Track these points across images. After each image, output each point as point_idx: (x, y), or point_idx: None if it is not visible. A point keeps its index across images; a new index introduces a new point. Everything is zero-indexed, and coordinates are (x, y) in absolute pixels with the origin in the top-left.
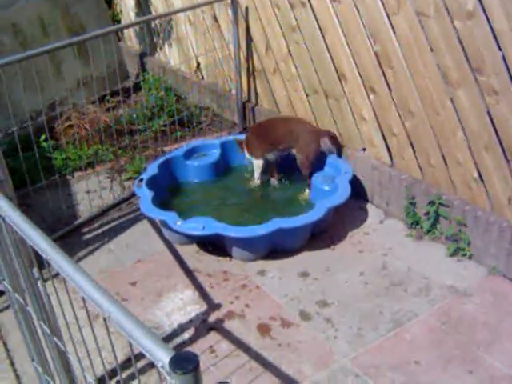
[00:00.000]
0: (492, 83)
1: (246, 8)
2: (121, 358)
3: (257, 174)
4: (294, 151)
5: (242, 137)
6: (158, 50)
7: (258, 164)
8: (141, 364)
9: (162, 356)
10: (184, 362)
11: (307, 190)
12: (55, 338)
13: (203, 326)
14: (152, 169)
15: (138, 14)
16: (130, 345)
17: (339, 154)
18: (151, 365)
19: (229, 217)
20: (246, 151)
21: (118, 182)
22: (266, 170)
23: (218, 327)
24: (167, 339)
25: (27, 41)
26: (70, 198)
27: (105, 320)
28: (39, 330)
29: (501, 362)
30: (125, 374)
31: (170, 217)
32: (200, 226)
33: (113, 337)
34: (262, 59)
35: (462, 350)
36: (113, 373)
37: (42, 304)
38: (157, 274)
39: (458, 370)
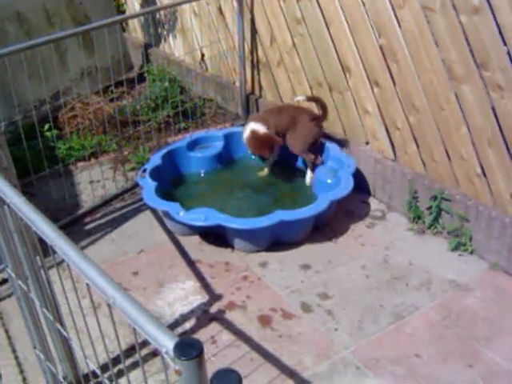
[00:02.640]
0: (497, 78)
1: (251, 0)
2: (123, 347)
3: (269, 161)
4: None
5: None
6: (162, 41)
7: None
8: (143, 353)
9: (167, 342)
10: (188, 349)
11: (309, 173)
12: (58, 325)
13: (204, 316)
14: (155, 159)
15: (142, 5)
16: (135, 331)
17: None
18: (153, 354)
19: (231, 208)
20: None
21: (121, 172)
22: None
23: (219, 318)
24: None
25: (32, 30)
26: (72, 187)
27: (109, 306)
28: (42, 317)
29: (500, 356)
30: (126, 363)
31: (172, 207)
32: (202, 216)
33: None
34: (266, 51)
35: (462, 344)
36: (115, 361)
37: (45, 291)
38: (159, 264)
39: (458, 364)
